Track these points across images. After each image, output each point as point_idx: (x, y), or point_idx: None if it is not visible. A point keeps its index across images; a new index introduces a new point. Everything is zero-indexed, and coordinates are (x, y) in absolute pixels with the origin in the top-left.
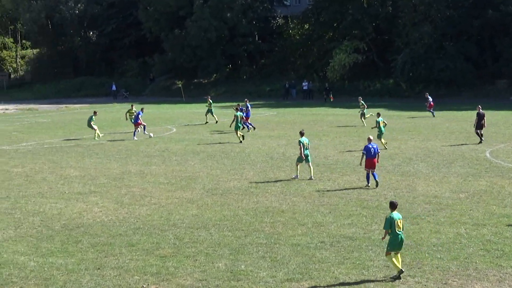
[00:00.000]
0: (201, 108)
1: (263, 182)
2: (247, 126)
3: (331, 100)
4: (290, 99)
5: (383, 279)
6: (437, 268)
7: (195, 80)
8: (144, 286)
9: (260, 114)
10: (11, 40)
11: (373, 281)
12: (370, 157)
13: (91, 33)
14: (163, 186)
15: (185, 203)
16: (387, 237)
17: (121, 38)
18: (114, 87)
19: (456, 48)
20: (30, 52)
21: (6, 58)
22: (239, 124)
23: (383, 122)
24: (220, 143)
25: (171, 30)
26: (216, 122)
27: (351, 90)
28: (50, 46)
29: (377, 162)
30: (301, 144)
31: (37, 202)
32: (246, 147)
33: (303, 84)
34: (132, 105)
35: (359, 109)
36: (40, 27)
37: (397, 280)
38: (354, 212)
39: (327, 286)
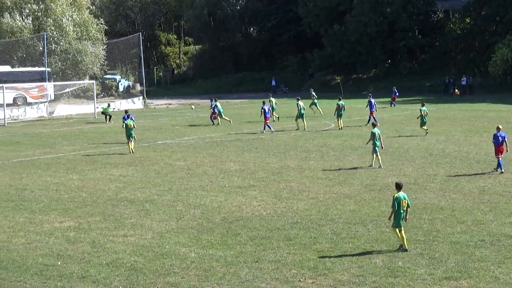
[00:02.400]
0: (360, 103)
1: (421, 179)
2: (375, 119)
3: (457, 94)
4: (450, 95)
5: None
6: None
7: (354, 76)
8: (301, 280)
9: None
10: (175, 36)
11: None
12: (498, 145)
13: (252, 29)
14: (321, 181)
15: (343, 198)
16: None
17: (281, 33)
18: (273, 82)
19: None
20: (193, 48)
21: (170, 54)
22: (340, 112)
23: (425, 111)
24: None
25: (331, 26)
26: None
27: None
28: (212, 42)
29: (507, 150)
30: (372, 134)
31: (198, 195)
32: (405, 143)
33: (462, 79)
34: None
35: (310, 100)
36: (203, 24)
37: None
38: None
39: (487, 285)
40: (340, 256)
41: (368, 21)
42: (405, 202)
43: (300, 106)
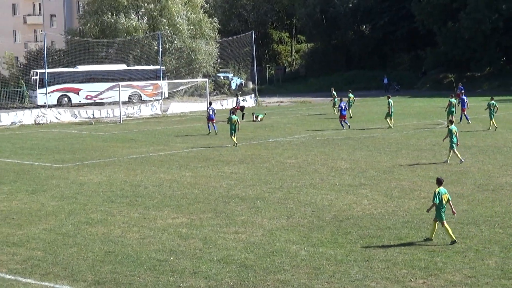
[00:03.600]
0: (473, 101)
1: None
2: (466, 118)
3: None
4: None
5: None
6: None
7: (468, 74)
8: (412, 280)
9: None
10: (287, 35)
11: None
12: None
13: (364, 26)
14: (432, 180)
15: (455, 198)
16: (433, 210)
17: (393, 31)
18: (385, 80)
19: None
20: (305, 47)
21: (282, 52)
22: (452, 109)
23: (495, 106)
24: (492, 137)
25: (444, 23)
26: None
27: None
28: (323, 40)
29: None
30: (449, 131)
31: (308, 193)
32: None
33: None
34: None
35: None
36: (315, 22)
37: None
38: None
39: None
40: (452, 256)
41: (483, 18)
42: (445, 197)
43: (391, 104)
